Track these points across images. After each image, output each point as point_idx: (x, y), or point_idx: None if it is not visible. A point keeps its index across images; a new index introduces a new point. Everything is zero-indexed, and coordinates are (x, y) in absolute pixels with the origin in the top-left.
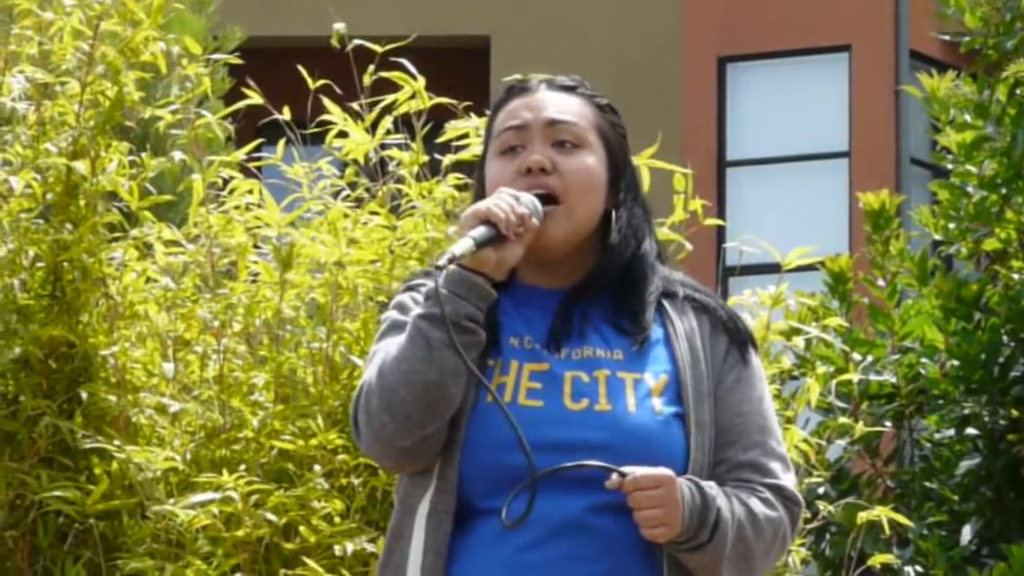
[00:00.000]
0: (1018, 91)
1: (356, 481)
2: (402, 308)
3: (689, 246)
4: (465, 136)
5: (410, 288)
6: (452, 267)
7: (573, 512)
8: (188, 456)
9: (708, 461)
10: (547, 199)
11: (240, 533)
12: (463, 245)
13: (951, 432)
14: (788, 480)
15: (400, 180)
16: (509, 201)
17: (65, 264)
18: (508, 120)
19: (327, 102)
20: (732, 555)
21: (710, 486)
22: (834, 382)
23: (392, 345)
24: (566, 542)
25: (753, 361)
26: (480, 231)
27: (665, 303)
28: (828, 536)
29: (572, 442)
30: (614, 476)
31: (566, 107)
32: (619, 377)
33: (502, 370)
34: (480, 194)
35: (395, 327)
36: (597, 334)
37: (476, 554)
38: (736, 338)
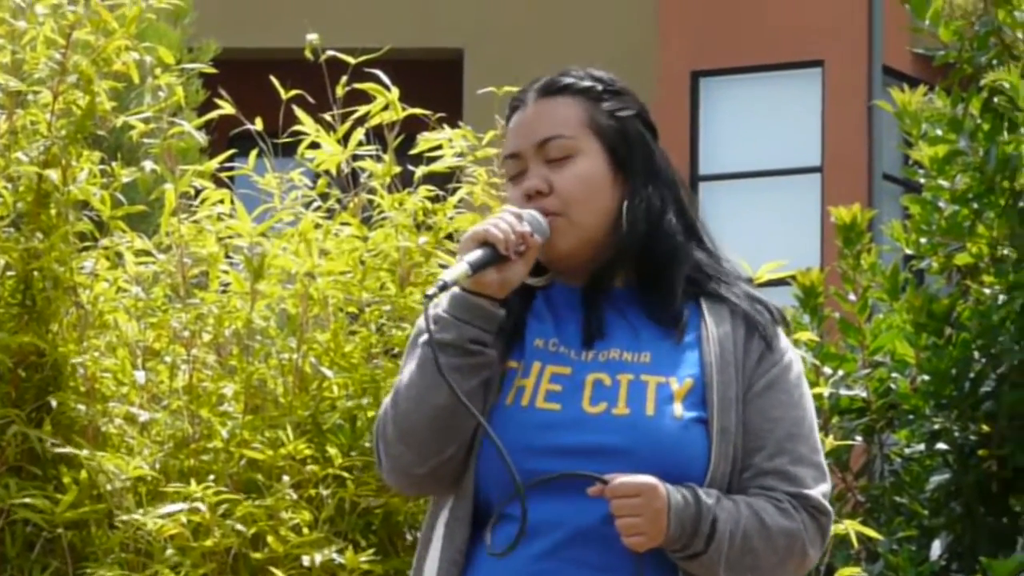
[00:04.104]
0: (995, 100)
1: (325, 492)
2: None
3: None
4: (438, 148)
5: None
6: (455, 291)
7: (590, 521)
8: (157, 466)
9: (733, 469)
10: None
11: (208, 543)
12: (456, 271)
13: (921, 447)
14: (818, 490)
15: (372, 191)
16: (509, 220)
17: (36, 273)
18: (507, 146)
19: (300, 113)
20: (736, 565)
21: (708, 494)
22: None
23: (405, 371)
24: (581, 550)
25: (794, 368)
26: (476, 255)
27: (704, 302)
28: None
29: (588, 446)
30: (598, 484)
31: (554, 119)
32: (642, 380)
33: (523, 373)
34: None
35: (413, 346)
36: (629, 333)
37: (491, 561)
38: (772, 342)
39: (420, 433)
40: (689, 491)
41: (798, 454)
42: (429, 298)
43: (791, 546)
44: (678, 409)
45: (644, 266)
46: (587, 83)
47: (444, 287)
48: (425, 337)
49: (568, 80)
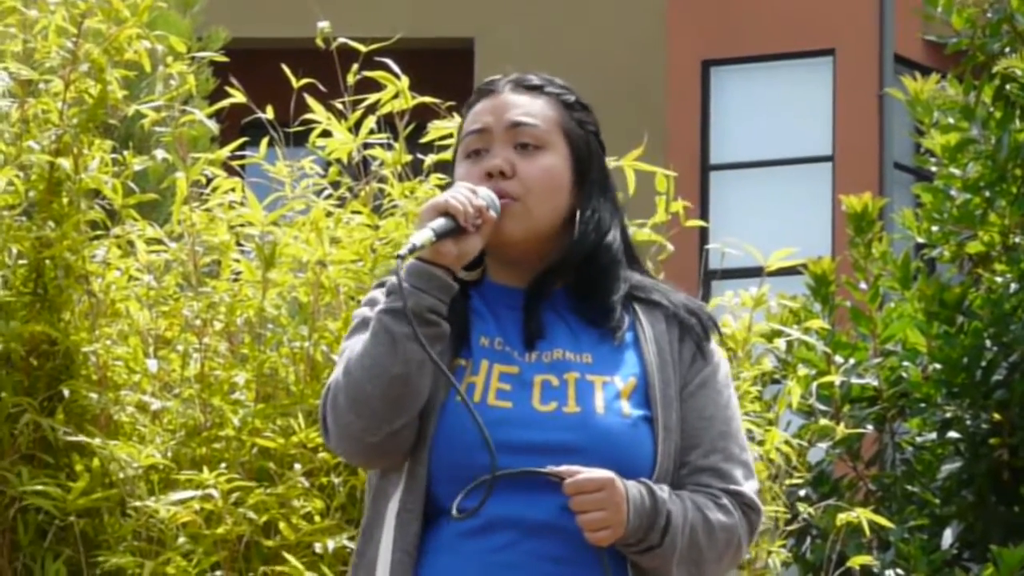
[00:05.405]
0: (1007, 87)
1: (336, 479)
2: (373, 304)
3: (671, 247)
4: (448, 136)
5: (382, 285)
6: (412, 261)
7: (546, 513)
8: (169, 454)
9: (674, 465)
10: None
11: (220, 530)
12: (423, 236)
13: (933, 435)
14: (749, 487)
15: (383, 179)
16: (466, 194)
17: (47, 261)
18: (472, 123)
19: (311, 101)
20: (684, 559)
21: (662, 489)
22: (815, 385)
23: (358, 342)
24: (540, 543)
25: (722, 369)
26: (439, 223)
27: (637, 307)
28: (809, 539)
29: (540, 443)
30: (559, 480)
31: (529, 109)
32: (588, 380)
33: (472, 370)
34: None
35: (364, 324)
36: (569, 335)
37: (445, 554)
38: (703, 345)
39: (373, 402)
40: (644, 486)
41: (730, 452)
42: (401, 258)
43: (729, 540)
44: (626, 407)
45: (583, 272)
46: (559, 90)
47: (413, 250)
48: (380, 307)
49: (541, 81)
